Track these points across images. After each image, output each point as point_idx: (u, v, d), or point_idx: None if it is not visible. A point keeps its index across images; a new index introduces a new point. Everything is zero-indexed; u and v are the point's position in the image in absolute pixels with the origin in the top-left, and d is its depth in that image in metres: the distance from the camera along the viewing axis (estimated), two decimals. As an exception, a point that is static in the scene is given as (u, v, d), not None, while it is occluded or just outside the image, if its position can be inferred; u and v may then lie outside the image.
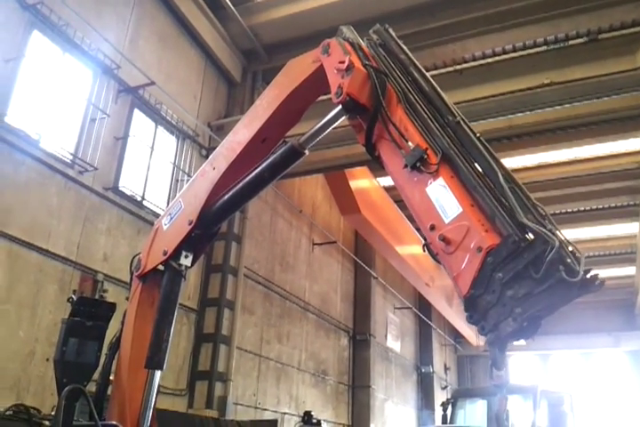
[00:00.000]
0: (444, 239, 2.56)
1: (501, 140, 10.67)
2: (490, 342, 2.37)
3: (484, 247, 2.40)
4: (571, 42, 9.38)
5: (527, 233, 2.35)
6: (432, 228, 2.66)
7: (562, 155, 14.74)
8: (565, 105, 9.37)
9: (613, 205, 17.35)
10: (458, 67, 10.11)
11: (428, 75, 3.10)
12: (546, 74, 9.28)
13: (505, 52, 10.06)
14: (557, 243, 2.22)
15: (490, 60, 10.03)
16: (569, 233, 18.93)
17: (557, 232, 2.37)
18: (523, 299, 2.25)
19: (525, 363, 26.83)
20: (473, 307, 2.43)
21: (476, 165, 2.73)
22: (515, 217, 2.41)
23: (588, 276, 2.19)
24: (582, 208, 17.77)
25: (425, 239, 2.77)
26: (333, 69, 3.19)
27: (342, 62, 3.10)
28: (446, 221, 2.60)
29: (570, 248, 2.31)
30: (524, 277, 2.27)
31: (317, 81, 3.41)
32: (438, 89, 3.02)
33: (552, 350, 25.95)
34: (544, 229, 2.31)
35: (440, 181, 2.68)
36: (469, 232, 2.49)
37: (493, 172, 2.60)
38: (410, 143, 2.83)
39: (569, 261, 2.21)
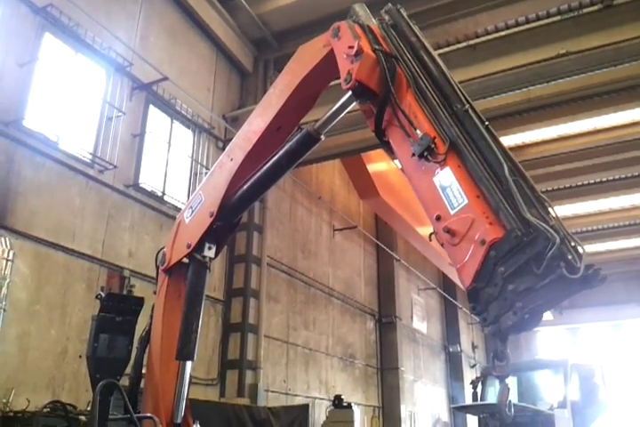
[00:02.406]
0: (448, 231, 2.56)
1: (520, 114, 10.51)
2: (491, 333, 2.39)
3: (487, 240, 2.39)
4: (585, 10, 9.15)
5: (530, 227, 2.33)
6: (438, 218, 2.65)
7: (582, 125, 14.47)
8: (583, 74, 9.17)
9: (637, 173, 17.03)
10: (471, 42, 9.93)
11: (438, 59, 3.03)
12: (561, 44, 9.07)
13: (518, 25, 9.85)
14: (558, 239, 2.20)
15: (503, 33, 9.84)
16: (592, 205, 18.77)
17: (560, 227, 2.35)
18: (524, 293, 2.26)
19: (554, 337, 26.69)
20: (476, 299, 2.44)
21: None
22: (519, 211, 2.39)
23: (590, 271, 2.17)
24: (605, 178, 17.48)
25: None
26: (343, 54, 3.16)
27: (351, 47, 3.06)
28: (452, 212, 2.59)
29: (572, 243, 2.29)
30: (525, 272, 2.27)
31: (329, 65, 3.36)
32: (448, 75, 2.96)
33: (581, 323, 25.76)
34: (546, 226, 2.28)
35: (447, 171, 2.65)
36: (474, 224, 2.47)
37: (499, 164, 2.56)
38: (418, 131, 2.80)
39: (570, 257, 2.20)
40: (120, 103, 8.75)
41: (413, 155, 2.79)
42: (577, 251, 2.25)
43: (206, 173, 10.14)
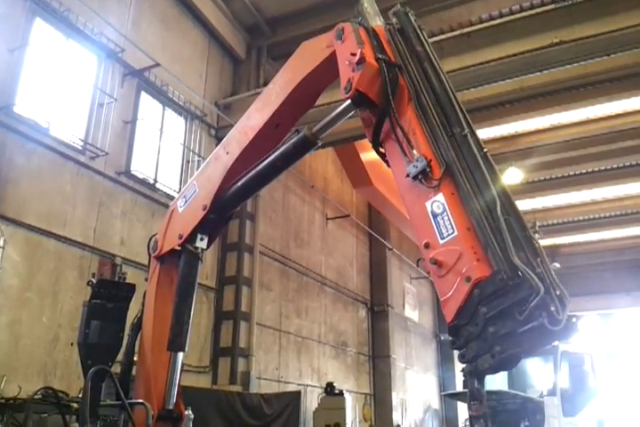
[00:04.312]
0: (435, 263, 2.52)
1: (513, 103, 10.49)
2: (467, 372, 2.39)
3: (472, 278, 2.37)
4: (579, -2, 9.10)
5: (518, 270, 2.30)
6: (426, 246, 2.61)
7: (575, 115, 14.44)
8: (576, 64, 9.15)
9: (629, 163, 17.07)
10: (465, 30, 9.87)
11: (442, 72, 2.92)
12: (555, 33, 9.03)
13: (512, 13, 9.80)
14: (543, 290, 2.18)
15: (497, 21, 9.78)
16: (584, 194, 18.82)
17: (547, 274, 2.32)
18: (503, 337, 2.25)
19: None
20: (456, 334, 2.44)
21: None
22: (507, 252, 2.35)
23: (572, 321, 2.19)
24: (597, 168, 17.50)
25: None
26: (345, 60, 3.06)
27: (354, 54, 2.95)
28: (441, 241, 2.54)
29: (557, 292, 2.27)
30: (507, 316, 2.25)
31: (331, 66, 3.25)
32: (450, 92, 2.85)
33: (571, 312, 25.93)
34: (532, 273, 2.25)
35: (440, 198, 2.59)
36: (461, 258, 2.44)
37: (492, 200, 2.49)
38: (415, 151, 2.73)
39: (553, 308, 2.19)
40: (111, 89, 8.67)
41: (408, 175, 2.73)
42: (561, 300, 2.24)
43: (199, 161, 10.13)
